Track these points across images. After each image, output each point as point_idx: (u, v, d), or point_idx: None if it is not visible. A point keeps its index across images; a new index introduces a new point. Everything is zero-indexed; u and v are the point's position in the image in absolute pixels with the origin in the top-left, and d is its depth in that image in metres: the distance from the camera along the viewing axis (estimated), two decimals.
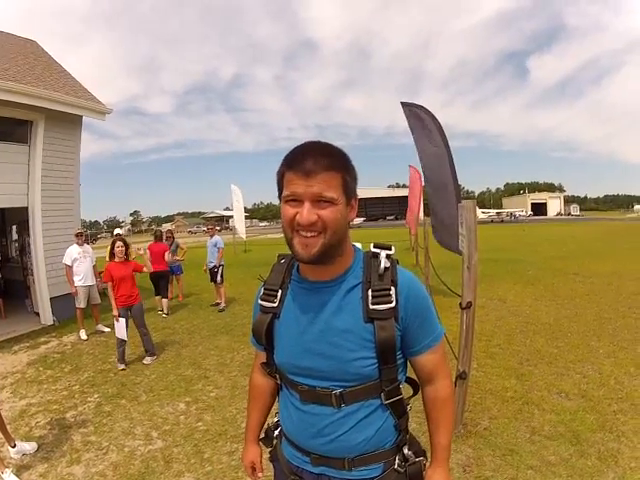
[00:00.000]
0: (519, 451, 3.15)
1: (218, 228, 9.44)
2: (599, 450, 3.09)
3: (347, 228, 1.24)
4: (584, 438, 3.25)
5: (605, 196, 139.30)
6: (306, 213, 1.13)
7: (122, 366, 5.59)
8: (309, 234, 1.15)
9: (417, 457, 1.35)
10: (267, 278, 1.42)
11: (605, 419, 3.52)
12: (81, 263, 7.37)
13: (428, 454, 1.41)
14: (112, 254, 5.89)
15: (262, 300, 1.39)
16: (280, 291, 1.36)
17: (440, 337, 1.34)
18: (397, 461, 1.32)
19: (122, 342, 5.59)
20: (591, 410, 3.68)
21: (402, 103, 4.03)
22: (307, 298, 1.30)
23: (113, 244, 5.89)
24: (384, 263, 1.25)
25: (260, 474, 1.66)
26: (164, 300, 8.75)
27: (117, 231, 9.16)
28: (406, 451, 1.34)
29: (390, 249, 1.29)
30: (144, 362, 5.76)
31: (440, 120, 3.73)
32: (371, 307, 1.21)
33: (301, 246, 1.17)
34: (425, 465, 1.38)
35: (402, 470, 1.32)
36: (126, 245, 5.88)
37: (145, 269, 6.27)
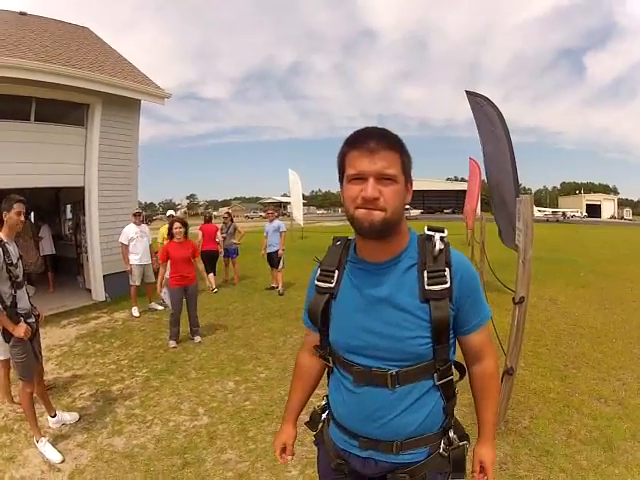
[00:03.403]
0: (554, 453, 3.14)
1: (276, 214, 9.59)
2: (627, 459, 3.05)
3: (403, 208, 1.27)
4: (616, 445, 3.22)
5: None
6: (370, 188, 1.18)
7: (173, 344, 5.68)
8: (372, 207, 1.20)
9: (461, 441, 1.38)
10: (323, 259, 1.45)
11: (637, 428, 3.47)
12: (138, 242, 7.50)
13: (470, 439, 1.44)
14: (171, 234, 5.86)
15: (319, 281, 1.42)
16: (337, 272, 1.39)
17: (488, 317, 1.40)
18: (442, 445, 1.35)
19: (176, 322, 5.66)
20: (626, 418, 3.63)
21: (467, 92, 3.95)
22: (364, 278, 1.33)
23: (172, 225, 5.87)
24: (439, 245, 1.28)
25: (289, 457, 1.66)
26: (210, 275, 8.79)
27: (170, 212, 9.38)
28: (451, 434, 1.37)
29: (443, 231, 1.33)
30: (195, 340, 5.84)
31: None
32: (427, 288, 1.25)
33: (364, 220, 1.21)
34: (467, 449, 1.41)
35: (446, 454, 1.35)
36: (185, 226, 5.89)
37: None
